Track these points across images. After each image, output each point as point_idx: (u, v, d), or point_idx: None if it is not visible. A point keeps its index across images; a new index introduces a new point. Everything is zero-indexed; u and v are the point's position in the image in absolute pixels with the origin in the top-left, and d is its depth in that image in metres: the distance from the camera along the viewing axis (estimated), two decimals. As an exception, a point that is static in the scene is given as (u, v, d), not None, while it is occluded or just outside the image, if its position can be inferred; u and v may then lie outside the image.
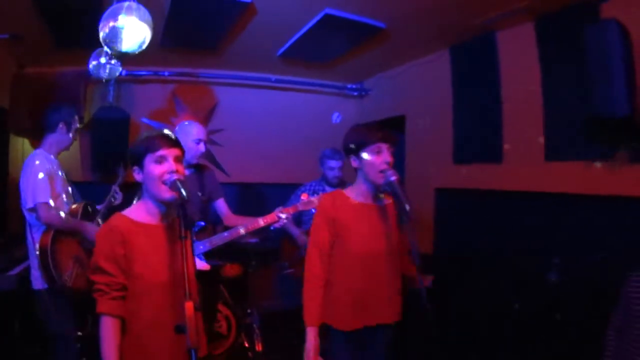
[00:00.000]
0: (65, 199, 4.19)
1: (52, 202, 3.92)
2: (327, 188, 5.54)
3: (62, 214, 4.05)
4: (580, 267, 4.07)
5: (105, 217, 4.40)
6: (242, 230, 4.35)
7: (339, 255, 3.24)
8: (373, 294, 3.22)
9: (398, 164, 3.25)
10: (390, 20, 4.95)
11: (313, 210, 4.51)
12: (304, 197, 4.56)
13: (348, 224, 3.23)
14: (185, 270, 2.11)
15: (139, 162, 2.54)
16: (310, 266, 3.25)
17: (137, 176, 2.58)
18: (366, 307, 3.21)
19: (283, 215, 4.38)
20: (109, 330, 2.42)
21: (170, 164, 2.47)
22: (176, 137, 2.62)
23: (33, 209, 3.88)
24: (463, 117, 5.56)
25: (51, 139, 4.21)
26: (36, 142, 4.34)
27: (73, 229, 4.05)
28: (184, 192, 2.30)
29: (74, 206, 4.26)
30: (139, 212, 2.63)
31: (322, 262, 3.23)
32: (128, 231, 2.51)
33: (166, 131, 2.66)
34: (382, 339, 3.33)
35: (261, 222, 4.37)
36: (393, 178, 3.02)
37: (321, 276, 3.22)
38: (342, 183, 5.47)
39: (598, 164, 4.00)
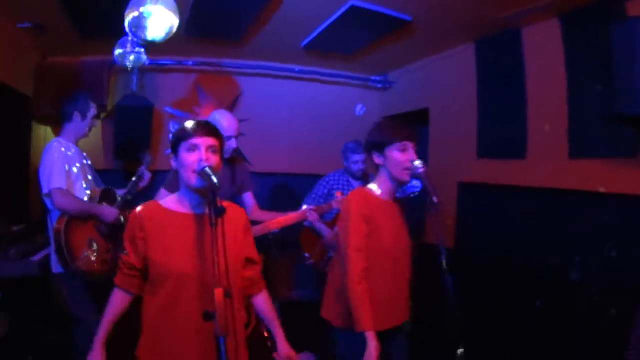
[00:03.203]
0: (84, 186, 4.26)
1: (67, 188, 4.00)
2: (352, 181, 5.53)
3: (83, 199, 4.16)
4: (604, 265, 4.04)
5: (127, 204, 4.45)
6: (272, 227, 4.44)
7: (373, 253, 3.12)
8: (399, 292, 3.24)
9: (421, 157, 3.21)
10: (416, 13, 4.91)
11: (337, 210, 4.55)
12: (338, 194, 4.62)
13: (380, 221, 3.18)
14: (215, 257, 2.10)
15: (174, 149, 2.57)
16: (355, 267, 3.05)
17: (173, 164, 2.61)
18: (392, 306, 3.21)
19: (312, 217, 4.43)
20: (112, 299, 2.71)
21: (201, 153, 2.44)
22: (214, 127, 2.60)
23: (48, 195, 4.00)
24: (487, 111, 5.51)
25: (69, 128, 4.33)
26: (58, 131, 4.41)
27: (88, 213, 4.12)
28: (214, 179, 2.27)
29: (93, 191, 4.32)
30: (172, 200, 2.68)
31: (365, 260, 3.08)
32: (150, 217, 2.59)
33: (205, 121, 2.65)
34: (402, 337, 3.34)
35: (290, 220, 4.44)
36: (421, 170, 3.02)
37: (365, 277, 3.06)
38: (365, 175, 5.46)
39: (622, 162, 3.95)
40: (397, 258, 3.20)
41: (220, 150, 2.57)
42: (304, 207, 4.84)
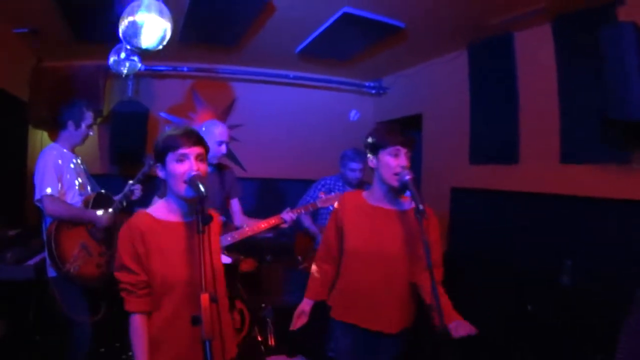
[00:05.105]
0: (78, 192, 4.29)
1: (58, 195, 4.04)
2: (346, 186, 5.54)
3: (76, 204, 4.20)
4: (594, 270, 4.07)
5: (123, 209, 4.47)
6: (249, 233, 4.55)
7: (345, 253, 3.35)
8: (378, 297, 3.23)
9: (415, 162, 3.24)
10: (409, 19, 4.96)
11: (330, 208, 4.58)
12: (321, 195, 4.68)
13: (352, 224, 3.32)
14: (202, 263, 2.13)
15: (161, 159, 2.55)
16: (317, 256, 3.62)
17: (160, 173, 2.60)
18: (369, 308, 3.24)
19: (287, 218, 4.49)
20: (138, 328, 2.50)
21: (191, 163, 2.47)
22: (199, 135, 2.61)
23: (39, 200, 4.02)
24: (480, 117, 5.55)
25: (64, 135, 4.36)
26: (55, 135, 4.43)
27: (79, 218, 4.15)
28: (202, 189, 2.31)
29: (87, 197, 4.34)
30: (161, 209, 2.66)
31: (329, 254, 3.49)
32: (148, 229, 2.55)
33: (189, 128, 2.66)
34: (388, 347, 3.35)
35: (264, 224, 4.51)
36: (407, 177, 3.02)
37: (325, 262, 3.54)
38: (361, 184, 5.47)
39: (613, 168, 3.99)
40: (378, 264, 3.21)
41: (206, 157, 2.61)
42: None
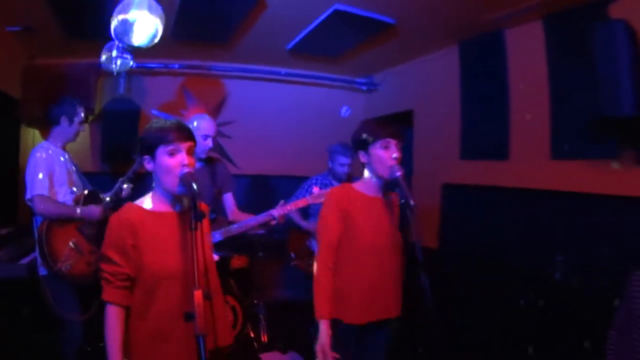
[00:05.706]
0: (70, 190, 4.30)
1: (49, 194, 4.04)
2: (335, 183, 5.54)
3: (67, 202, 4.20)
4: (585, 265, 4.10)
5: (113, 207, 4.46)
6: (239, 227, 4.52)
7: (349, 248, 3.27)
8: (381, 288, 3.26)
9: (405, 158, 3.28)
10: (399, 16, 4.96)
11: None
12: (315, 189, 4.64)
13: (358, 217, 3.26)
14: (195, 260, 2.14)
15: (150, 151, 2.52)
16: (321, 260, 3.26)
17: (148, 165, 2.56)
18: (374, 301, 3.25)
19: (277, 214, 4.44)
20: (112, 319, 2.47)
21: (183, 157, 2.46)
22: (189, 128, 2.60)
23: (30, 200, 4.02)
24: (471, 113, 5.56)
25: (56, 132, 4.36)
26: (46, 134, 4.42)
27: (71, 217, 4.14)
28: (194, 186, 2.32)
29: (79, 195, 4.34)
30: (152, 200, 2.63)
31: (332, 255, 3.27)
32: (139, 221, 2.50)
33: (179, 121, 2.65)
34: (385, 333, 3.39)
35: (253, 222, 4.48)
36: (398, 174, 3.06)
37: (328, 267, 3.25)
38: (349, 179, 5.47)
39: (603, 164, 4.01)
40: (380, 254, 3.25)
41: (194, 151, 2.61)
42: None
